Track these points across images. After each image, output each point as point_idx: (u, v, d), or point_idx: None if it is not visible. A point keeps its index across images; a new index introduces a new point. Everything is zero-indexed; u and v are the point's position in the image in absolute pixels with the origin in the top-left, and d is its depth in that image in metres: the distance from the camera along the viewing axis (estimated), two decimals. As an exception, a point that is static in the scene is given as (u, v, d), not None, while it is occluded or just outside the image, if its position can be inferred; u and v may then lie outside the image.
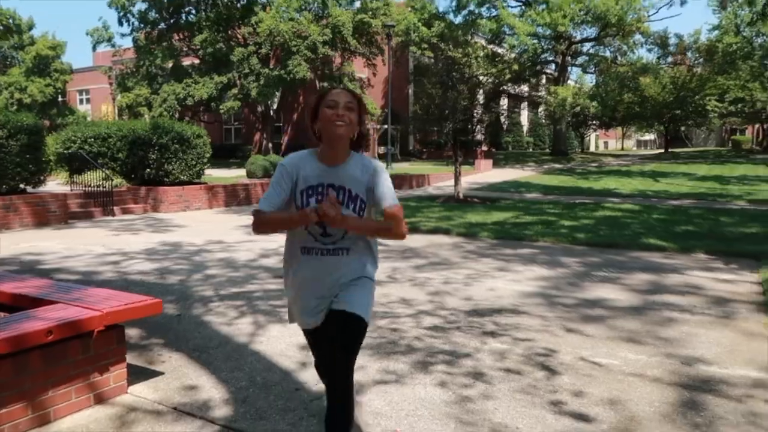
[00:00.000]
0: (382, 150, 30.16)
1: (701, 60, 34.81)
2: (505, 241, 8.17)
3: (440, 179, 22.18)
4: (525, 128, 50.14)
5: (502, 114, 21.25)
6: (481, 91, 14.62)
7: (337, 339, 2.00)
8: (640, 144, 79.72)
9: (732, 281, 5.60)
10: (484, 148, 42.83)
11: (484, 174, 25.29)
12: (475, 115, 14.47)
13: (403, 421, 2.59)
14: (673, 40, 34.91)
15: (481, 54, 23.73)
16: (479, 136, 26.07)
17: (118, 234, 8.84)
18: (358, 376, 2.65)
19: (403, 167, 26.25)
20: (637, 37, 31.28)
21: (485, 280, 5.67)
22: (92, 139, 13.28)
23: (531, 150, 48.00)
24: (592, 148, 64.27)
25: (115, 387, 2.73)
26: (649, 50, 36.19)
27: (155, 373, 3.10)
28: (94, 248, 7.35)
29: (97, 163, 12.53)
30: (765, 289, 5.07)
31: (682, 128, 51.37)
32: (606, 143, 77.48)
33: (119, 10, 27.53)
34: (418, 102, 15.97)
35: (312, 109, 2.05)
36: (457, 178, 15.07)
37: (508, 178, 23.57)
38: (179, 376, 3.09)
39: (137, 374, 3.03)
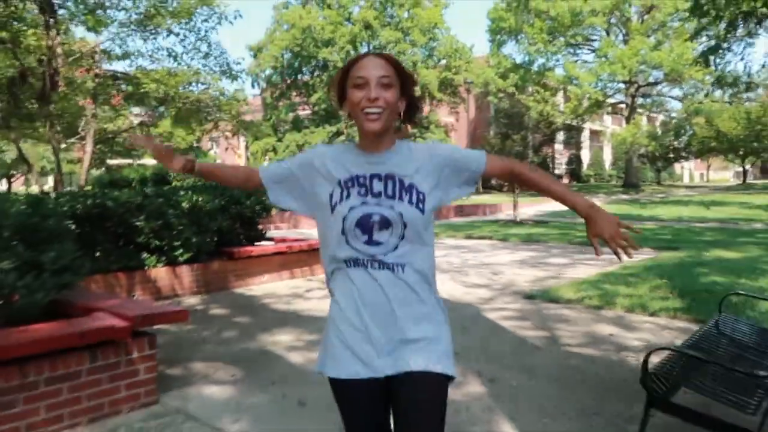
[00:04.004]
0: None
1: (771, 95, 36.55)
2: (525, 243, 12.60)
3: (511, 208, 26.41)
4: (608, 162, 52.65)
5: (551, 155, 25.21)
6: (532, 136, 18.88)
7: (414, 411, 1.40)
8: (737, 175, 78.05)
9: (639, 257, 9.78)
10: (565, 181, 46.17)
11: (552, 203, 28.97)
12: (527, 155, 18.87)
13: (431, 280, 7.39)
14: (744, 78, 36.94)
15: (548, 102, 27.94)
16: (557, 169, 29.63)
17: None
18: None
19: (482, 198, 30.74)
20: (707, 77, 33.96)
21: (497, 256, 10.25)
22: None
23: (614, 182, 50.44)
24: (686, 180, 64.80)
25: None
26: (721, 89, 38.15)
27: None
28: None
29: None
30: (646, 260, 9.27)
31: (773, 159, 51.51)
32: (701, 174, 76.89)
33: (253, 77, 34.71)
34: (482, 148, 20.61)
35: (337, 87, 1.50)
36: (515, 205, 19.47)
37: (571, 207, 27.21)
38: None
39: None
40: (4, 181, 43.33)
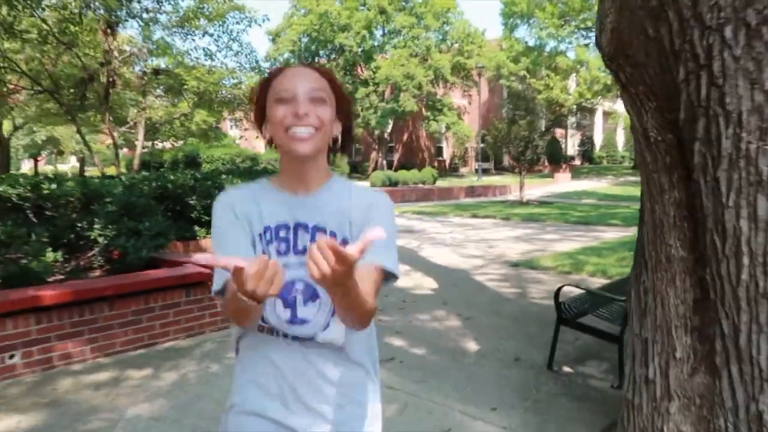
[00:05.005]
0: (477, 165, 35.93)
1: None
2: (525, 222, 13.77)
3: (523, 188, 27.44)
4: (621, 143, 53.07)
5: (560, 139, 26.03)
6: (543, 119, 19.78)
7: None
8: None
9: (620, 234, 10.92)
10: (577, 162, 46.74)
11: (560, 185, 30.08)
12: (533, 139, 19.80)
13: (427, 233, 8.62)
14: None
15: (553, 89, 28.68)
16: (569, 151, 29.55)
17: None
18: (423, 225, 8.76)
19: (493, 179, 31.84)
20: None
21: (496, 233, 11.45)
22: (274, 161, 20.52)
23: (627, 164, 50.95)
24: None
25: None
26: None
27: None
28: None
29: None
30: (626, 236, 10.41)
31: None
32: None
33: (272, 62, 35.83)
34: (489, 132, 21.61)
35: (256, 102, 1.18)
36: (521, 186, 20.55)
37: (579, 188, 28.22)
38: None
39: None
40: (31, 160, 45.19)
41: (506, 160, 43.46)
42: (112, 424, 2.86)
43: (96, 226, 4.99)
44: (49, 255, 4.79)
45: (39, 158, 46.26)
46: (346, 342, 1.17)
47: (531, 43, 33.75)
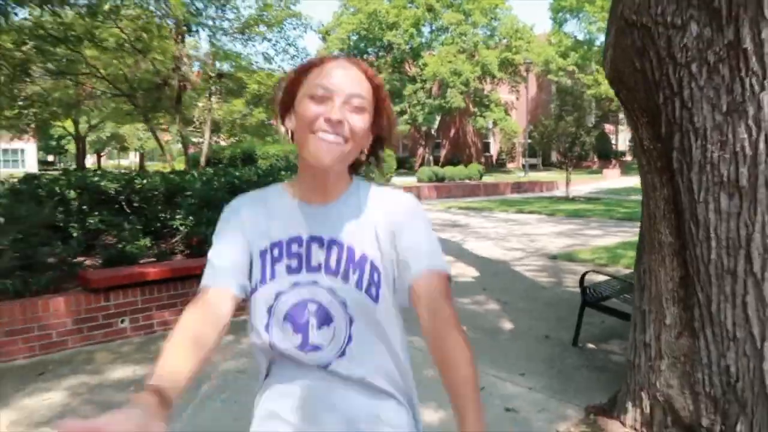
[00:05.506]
0: (524, 161, 35.91)
1: None
2: (569, 217, 14.00)
3: (569, 184, 27.35)
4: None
5: (610, 135, 25.71)
6: (591, 117, 19.80)
7: None
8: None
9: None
10: (628, 158, 45.81)
11: (609, 181, 29.79)
12: (580, 135, 19.85)
13: (472, 227, 9.10)
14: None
15: (600, 84, 28.37)
16: (620, 146, 29.12)
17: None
18: (468, 219, 9.24)
19: (540, 175, 31.81)
20: None
21: (540, 228, 11.80)
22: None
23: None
24: None
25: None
26: None
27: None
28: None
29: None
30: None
31: None
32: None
33: (322, 59, 36.85)
34: (536, 128, 21.76)
35: (285, 91, 1.04)
36: (567, 182, 20.63)
37: (628, 185, 27.84)
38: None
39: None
40: (94, 156, 47.85)
41: (554, 156, 43.16)
42: (208, 374, 3.54)
43: (178, 216, 5.75)
44: (142, 240, 5.57)
45: (102, 154, 49.06)
46: (367, 372, 1.04)
47: (580, 38, 33.49)
